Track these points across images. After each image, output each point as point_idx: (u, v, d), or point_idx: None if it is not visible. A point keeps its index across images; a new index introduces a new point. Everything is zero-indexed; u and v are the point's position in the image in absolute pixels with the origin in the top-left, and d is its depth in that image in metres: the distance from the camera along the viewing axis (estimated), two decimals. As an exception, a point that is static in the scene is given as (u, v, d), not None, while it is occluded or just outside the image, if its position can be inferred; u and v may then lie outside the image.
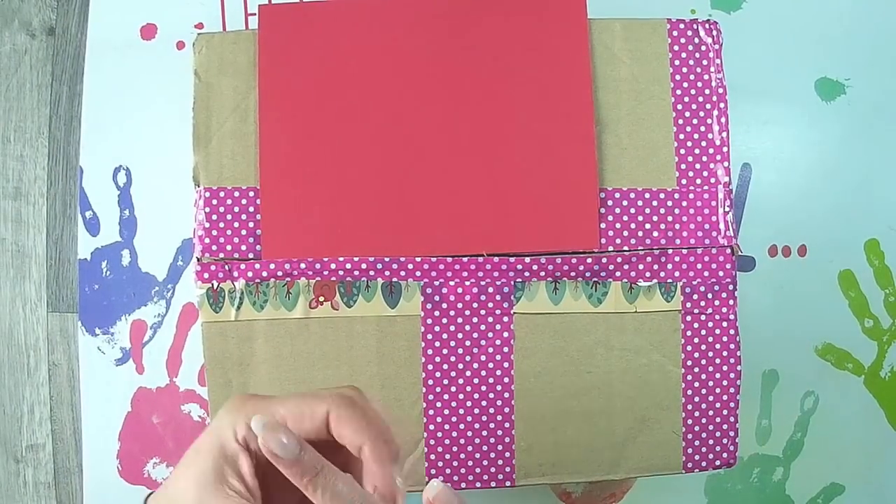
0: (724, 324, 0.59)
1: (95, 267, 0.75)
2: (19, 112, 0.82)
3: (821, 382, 0.76)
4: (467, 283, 0.57)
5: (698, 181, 0.58)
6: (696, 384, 0.58)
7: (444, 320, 0.57)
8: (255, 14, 0.76)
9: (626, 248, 0.58)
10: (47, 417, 0.80)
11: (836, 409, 0.75)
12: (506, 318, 0.57)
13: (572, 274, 0.57)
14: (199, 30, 0.76)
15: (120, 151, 0.76)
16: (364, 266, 0.57)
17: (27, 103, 0.82)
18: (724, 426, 0.59)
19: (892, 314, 0.76)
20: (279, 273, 0.57)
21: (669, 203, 0.58)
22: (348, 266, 0.57)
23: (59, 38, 0.82)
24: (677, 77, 0.58)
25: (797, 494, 0.75)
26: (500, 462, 0.57)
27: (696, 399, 0.58)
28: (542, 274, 0.57)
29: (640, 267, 0.58)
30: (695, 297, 0.58)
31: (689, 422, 0.58)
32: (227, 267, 0.57)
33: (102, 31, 0.78)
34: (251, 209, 0.56)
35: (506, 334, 0.58)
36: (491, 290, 0.57)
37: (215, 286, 0.57)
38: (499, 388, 0.58)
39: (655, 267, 0.58)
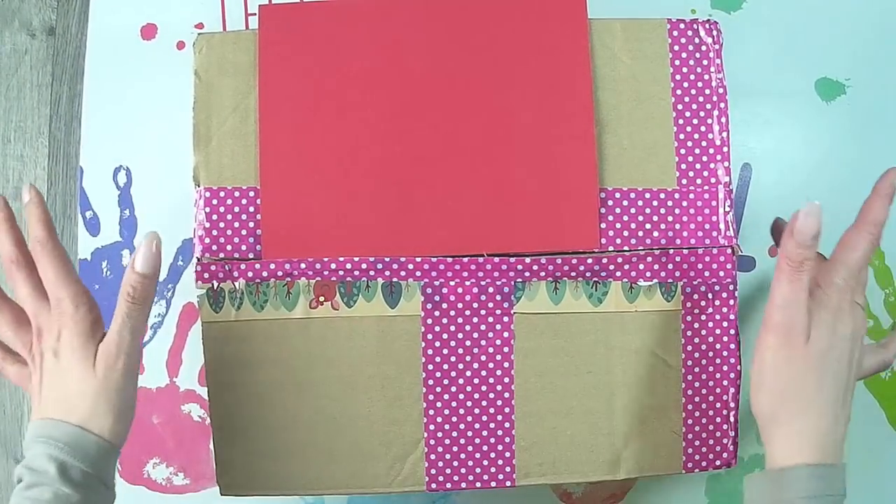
0: (725, 324, 0.59)
1: (96, 267, 0.75)
2: (19, 112, 0.82)
3: (821, 382, 0.75)
4: (467, 283, 0.57)
5: (698, 181, 0.58)
6: (697, 384, 0.58)
7: (445, 320, 0.57)
8: (255, 14, 0.76)
9: (626, 248, 0.58)
10: (47, 417, 0.80)
11: (837, 410, 0.75)
12: (506, 318, 0.57)
13: (572, 274, 0.57)
14: (199, 30, 0.76)
15: (120, 151, 0.76)
16: (364, 266, 0.57)
17: (27, 103, 0.82)
18: (724, 426, 0.59)
19: (893, 314, 0.76)
20: (279, 273, 0.57)
21: (670, 203, 0.58)
22: (348, 266, 0.57)
23: (59, 38, 0.82)
24: (677, 77, 0.58)
25: (797, 494, 0.75)
26: (500, 462, 0.57)
27: (696, 399, 0.58)
28: (543, 274, 0.57)
29: (641, 267, 0.58)
30: (695, 297, 0.58)
31: (689, 422, 0.58)
32: (227, 267, 0.57)
33: (102, 31, 0.78)
34: (251, 209, 0.56)
35: (506, 334, 0.57)
36: (491, 290, 0.57)
37: (215, 286, 0.57)
38: (499, 387, 0.58)
39: (656, 267, 0.58)
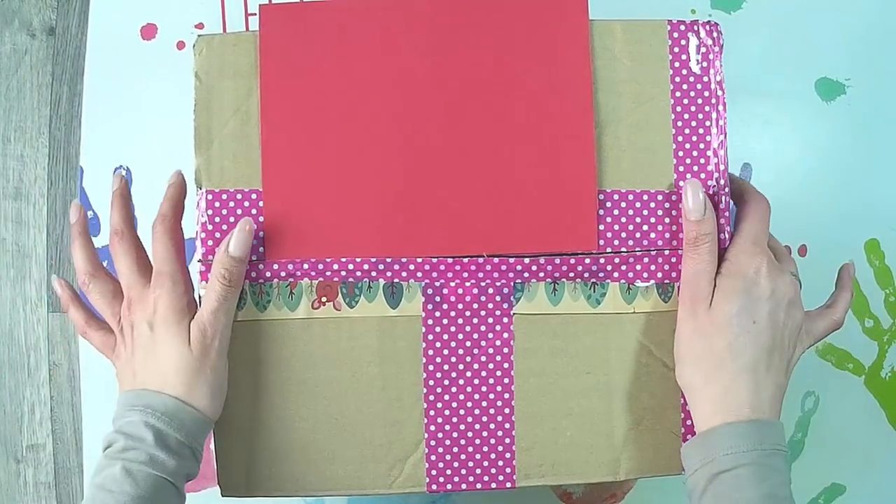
0: (723, 324, 0.59)
1: (96, 267, 0.75)
2: (20, 112, 0.82)
3: (821, 382, 0.76)
4: (468, 283, 0.57)
5: (686, 182, 0.58)
6: (696, 385, 0.58)
7: (445, 321, 0.57)
8: (255, 14, 0.76)
9: (623, 249, 0.58)
10: (48, 417, 0.80)
11: (837, 410, 0.76)
12: (505, 319, 0.58)
13: (571, 275, 0.57)
14: (199, 30, 0.77)
15: (120, 151, 0.76)
16: (366, 267, 0.57)
17: (27, 103, 0.82)
18: (724, 427, 0.59)
19: (893, 314, 0.76)
20: (282, 274, 0.57)
21: (667, 205, 0.58)
22: (350, 267, 0.57)
23: (59, 38, 0.82)
24: (677, 79, 0.58)
25: (798, 494, 0.75)
26: (500, 463, 0.58)
27: (696, 400, 0.58)
28: (542, 275, 0.57)
29: (638, 268, 0.58)
30: (693, 297, 0.58)
31: (689, 422, 0.58)
32: (228, 268, 0.57)
33: (102, 31, 0.78)
34: (254, 211, 0.56)
35: (506, 335, 0.58)
36: (491, 290, 0.57)
37: (217, 287, 0.57)
38: (499, 388, 0.58)
39: (653, 268, 0.58)
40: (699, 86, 0.58)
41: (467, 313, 0.57)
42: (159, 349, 0.54)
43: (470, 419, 0.58)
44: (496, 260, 0.57)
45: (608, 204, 0.57)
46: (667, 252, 0.58)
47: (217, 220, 0.56)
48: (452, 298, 0.57)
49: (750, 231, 0.56)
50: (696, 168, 0.58)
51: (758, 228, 0.56)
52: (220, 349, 0.54)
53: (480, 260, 0.57)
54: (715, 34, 0.58)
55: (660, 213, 0.58)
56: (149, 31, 0.77)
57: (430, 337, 0.57)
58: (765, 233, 0.57)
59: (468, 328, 0.57)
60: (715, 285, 0.55)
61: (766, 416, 0.53)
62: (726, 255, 0.56)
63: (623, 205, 0.58)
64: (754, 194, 0.58)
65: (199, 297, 0.56)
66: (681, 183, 0.58)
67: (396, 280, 0.57)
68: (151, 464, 0.51)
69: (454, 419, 0.58)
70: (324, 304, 0.57)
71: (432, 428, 0.57)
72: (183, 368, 0.53)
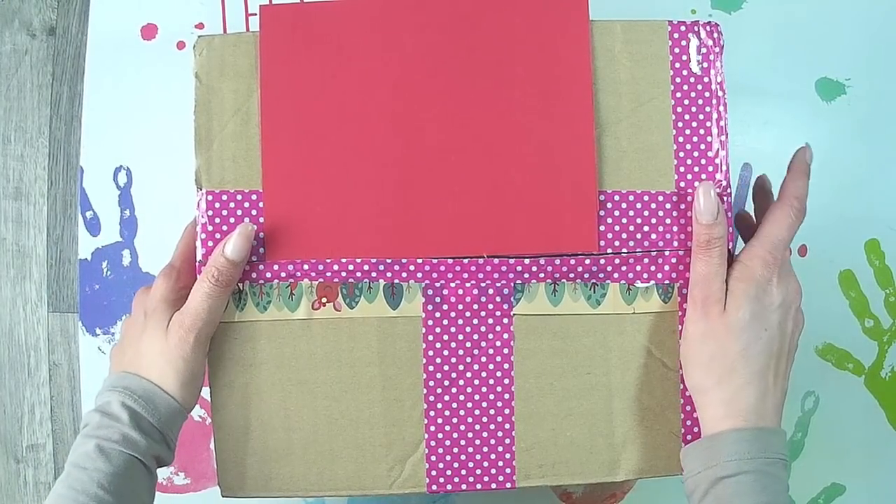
0: (724, 325, 0.59)
1: (96, 267, 0.76)
2: (20, 112, 0.82)
3: (821, 382, 0.76)
4: (468, 284, 0.57)
5: (697, 184, 0.58)
6: (696, 385, 0.58)
7: (445, 321, 0.57)
8: (255, 14, 0.76)
9: (624, 249, 0.58)
10: (48, 417, 0.80)
11: (837, 410, 0.76)
12: (506, 320, 0.58)
13: (571, 275, 0.57)
14: (199, 30, 0.77)
15: (120, 151, 0.76)
16: (366, 267, 0.57)
17: (27, 103, 0.82)
18: (724, 427, 0.59)
19: (893, 314, 0.76)
20: (282, 274, 0.57)
21: (668, 206, 0.58)
22: (351, 267, 0.57)
23: (59, 38, 0.82)
24: (677, 80, 0.58)
25: (798, 494, 0.75)
26: (500, 463, 0.58)
27: (696, 400, 0.58)
28: (542, 275, 0.57)
29: (638, 268, 0.58)
30: (694, 298, 0.58)
31: (689, 422, 0.58)
32: (228, 268, 0.57)
33: (103, 32, 0.78)
34: (254, 212, 0.57)
35: (506, 336, 0.58)
36: (491, 291, 0.57)
37: (217, 288, 0.57)
38: (499, 389, 0.58)
39: (653, 268, 0.58)
40: (700, 86, 0.58)
41: (467, 314, 0.57)
42: (144, 335, 0.56)
43: (470, 420, 0.58)
44: (496, 261, 0.57)
45: (608, 205, 0.57)
46: (667, 253, 0.58)
47: (217, 220, 0.56)
48: (452, 299, 0.57)
49: (770, 236, 0.55)
50: (696, 169, 0.58)
51: (783, 236, 0.55)
52: (195, 343, 0.55)
53: (480, 261, 0.57)
54: (715, 35, 0.58)
55: (660, 213, 0.58)
56: (149, 31, 0.77)
57: (431, 337, 0.57)
58: (785, 242, 0.55)
59: (468, 329, 0.57)
60: (726, 288, 0.55)
61: (771, 424, 0.53)
62: (740, 258, 0.55)
63: (623, 206, 0.58)
64: (791, 198, 0.56)
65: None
66: (681, 184, 0.58)
67: (397, 281, 0.57)
68: (124, 443, 0.52)
69: (454, 420, 0.58)
70: (324, 305, 0.57)
71: (432, 428, 0.57)
72: (157, 354, 0.55)
